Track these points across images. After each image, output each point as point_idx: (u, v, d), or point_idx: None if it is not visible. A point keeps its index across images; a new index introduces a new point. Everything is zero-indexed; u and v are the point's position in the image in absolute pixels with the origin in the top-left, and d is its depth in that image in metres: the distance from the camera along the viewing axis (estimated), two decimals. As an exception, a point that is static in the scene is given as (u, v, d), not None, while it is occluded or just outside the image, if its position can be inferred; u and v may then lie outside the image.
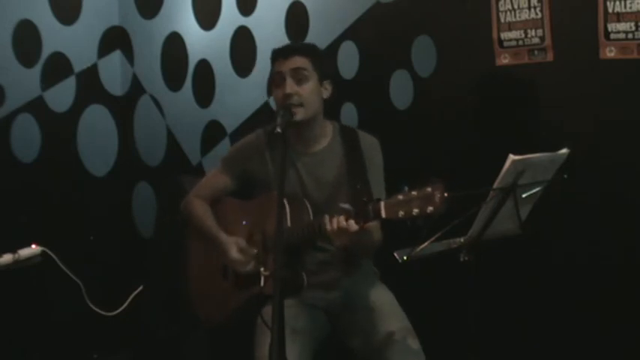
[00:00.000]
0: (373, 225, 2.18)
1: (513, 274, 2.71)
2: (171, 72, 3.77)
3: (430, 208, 1.85)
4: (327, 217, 2.10)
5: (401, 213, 1.91)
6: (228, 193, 2.58)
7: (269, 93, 3.31)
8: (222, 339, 2.91)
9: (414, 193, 1.89)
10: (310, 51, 2.43)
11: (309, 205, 2.32)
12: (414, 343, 2.26)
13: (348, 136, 2.46)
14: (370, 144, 2.46)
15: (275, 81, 2.39)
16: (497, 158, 1.96)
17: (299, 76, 2.34)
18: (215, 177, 2.61)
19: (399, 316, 2.35)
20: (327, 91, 2.43)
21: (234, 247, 2.40)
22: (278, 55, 2.41)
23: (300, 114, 2.31)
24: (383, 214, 1.96)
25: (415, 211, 1.87)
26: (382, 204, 1.96)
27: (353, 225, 2.04)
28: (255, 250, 2.38)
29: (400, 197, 1.92)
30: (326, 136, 2.46)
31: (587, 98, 2.55)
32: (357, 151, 2.42)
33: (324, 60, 2.49)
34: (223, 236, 2.47)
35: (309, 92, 2.35)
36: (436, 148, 2.91)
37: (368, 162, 2.41)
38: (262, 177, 2.48)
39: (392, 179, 2.45)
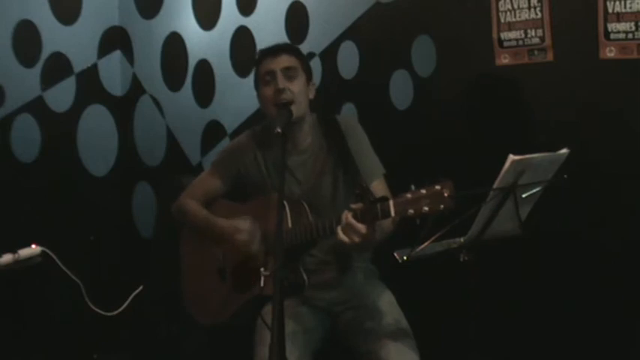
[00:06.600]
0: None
1: (513, 274, 2.70)
2: (171, 72, 3.77)
3: (441, 206, 1.82)
4: (345, 213, 2.02)
5: (410, 211, 1.87)
6: (220, 196, 2.57)
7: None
8: (222, 339, 2.91)
9: (422, 191, 1.86)
10: (297, 51, 2.47)
11: (307, 206, 2.32)
12: (409, 343, 2.25)
13: (328, 126, 2.45)
14: (348, 125, 2.45)
15: (264, 80, 2.38)
16: (497, 158, 1.96)
17: (290, 73, 2.35)
18: (206, 180, 2.59)
19: (395, 315, 2.35)
20: (311, 92, 2.45)
21: (237, 228, 2.36)
22: (267, 54, 2.41)
23: (292, 112, 2.30)
24: (392, 213, 1.92)
25: (425, 209, 1.84)
26: (391, 203, 1.92)
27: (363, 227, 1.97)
28: (259, 229, 2.35)
29: (409, 195, 1.88)
30: (310, 133, 2.46)
31: (587, 98, 2.55)
32: (340, 139, 2.41)
33: (308, 63, 2.50)
34: (223, 222, 2.43)
35: (300, 89, 2.36)
36: (436, 148, 2.91)
37: (352, 144, 2.39)
38: (255, 178, 2.47)
39: (392, 179, 2.46)
